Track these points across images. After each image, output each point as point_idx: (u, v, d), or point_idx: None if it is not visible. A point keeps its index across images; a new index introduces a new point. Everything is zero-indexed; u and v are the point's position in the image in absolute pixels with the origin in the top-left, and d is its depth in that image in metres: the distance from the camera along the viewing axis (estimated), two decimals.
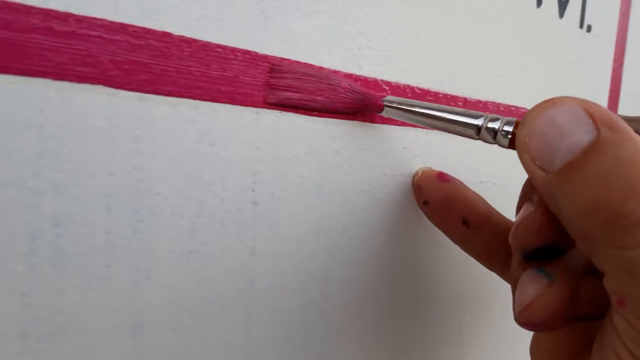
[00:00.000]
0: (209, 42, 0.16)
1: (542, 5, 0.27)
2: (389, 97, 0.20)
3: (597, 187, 0.12)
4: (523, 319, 0.15)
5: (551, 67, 0.29)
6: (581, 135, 0.13)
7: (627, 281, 0.12)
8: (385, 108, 0.20)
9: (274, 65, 0.18)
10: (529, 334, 0.19)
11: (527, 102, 0.27)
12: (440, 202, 0.21)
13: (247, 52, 0.17)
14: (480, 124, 0.17)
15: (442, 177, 0.21)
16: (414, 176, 0.22)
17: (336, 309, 0.21)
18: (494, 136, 0.16)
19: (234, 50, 0.17)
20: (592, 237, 0.13)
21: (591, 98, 0.31)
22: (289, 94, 0.18)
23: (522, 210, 0.16)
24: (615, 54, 0.33)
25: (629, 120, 0.16)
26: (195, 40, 0.16)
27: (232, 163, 0.17)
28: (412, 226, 0.23)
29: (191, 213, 0.17)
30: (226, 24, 0.16)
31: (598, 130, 0.13)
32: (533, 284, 0.15)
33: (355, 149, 0.20)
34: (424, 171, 0.22)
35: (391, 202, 0.22)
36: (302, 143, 0.19)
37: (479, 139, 0.17)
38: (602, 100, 0.33)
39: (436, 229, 0.24)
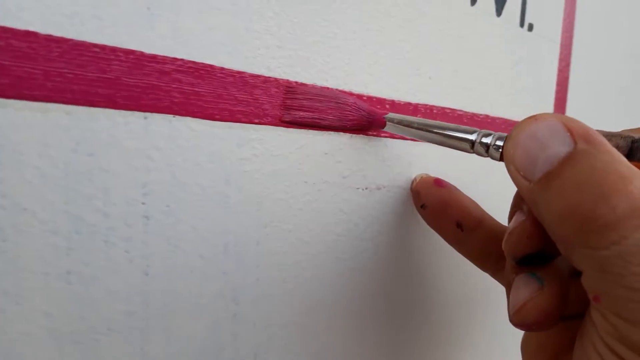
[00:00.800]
0: (83, 42, 0.15)
1: (477, 4, 0.27)
2: (391, 115, 0.21)
3: (572, 193, 0.13)
4: (517, 320, 0.16)
5: (491, 68, 0.28)
6: (559, 147, 0.14)
7: (601, 279, 0.13)
8: (387, 124, 0.21)
9: (289, 87, 0.19)
10: (519, 333, 0.19)
11: (464, 104, 0.27)
12: (437, 206, 0.23)
13: (131, 52, 0.16)
14: (474, 139, 0.18)
15: (438, 182, 0.23)
16: (412, 182, 0.24)
17: (251, 330, 0.19)
18: (486, 150, 0.18)
19: (114, 50, 0.15)
20: (568, 239, 0.14)
21: (535, 99, 0.30)
22: (302, 114, 0.20)
23: (513, 219, 0.17)
24: (561, 53, 0.32)
25: (611, 135, 0.16)
26: (66, 40, 0.15)
27: (116, 174, 0.16)
28: (336, 236, 0.22)
29: (68, 230, 0.15)
30: (105, 22, 0.15)
31: (575, 142, 0.14)
32: (525, 288, 0.16)
33: (268, 155, 0.19)
34: (422, 177, 0.24)
35: (312, 211, 0.21)
36: (203, 150, 0.17)
37: (473, 153, 0.18)
38: (549, 102, 0.32)
39: (366, 239, 0.23)
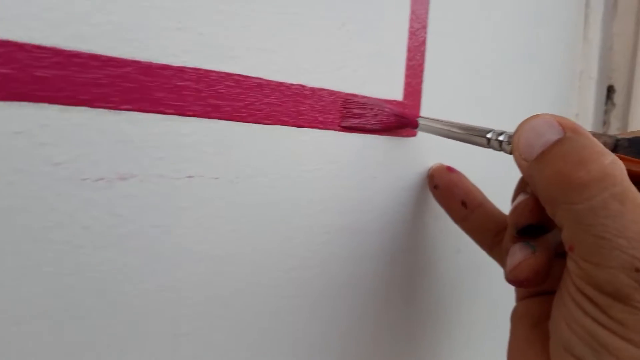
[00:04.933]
0: None
1: None
2: (423, 117, 0.27)
3: (557, 162, 0.18)
4: (512, 276, 0.21)
5: (305, 26, 0.23)
6: (553, 135, 0.19)
7: (576, 229, 0.18)
8: (420, 124, 0.27)
9: (346, 99, 0.25)
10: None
11: (265, 70, 0.22)
12: (446, 187, 0.29)
13: None
14: (490, 136, 0.23)
15: (450, 169, 0.30)
16: (429, 169, 0.30)
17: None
18: (499, 145, 0.23)
19: None
20: (553, 198, 0.18)
21: (377, 67, 0.25)
22: (355, 120, 0.25)
23: (518, 198, 0.22)
24: (413, 12, 0.28)
25: (600, 134, 0.21)
26: None
27: None
28: (45, 245, 0.17)
29: None
30: None
31: (565, 132, 0.19)
32: (521, 252, 0.21)
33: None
34: (437, 165, 0.30)
35: (112, 195, 0.16)
36: None
37: (489, 147, 0.24)
38: (398, 71, 0.28)
39: (103, 246, 0.18)
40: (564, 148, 0.18)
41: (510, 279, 0.22)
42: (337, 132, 0.25)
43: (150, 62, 0.19)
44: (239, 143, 0.21)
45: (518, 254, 0.21)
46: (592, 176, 0.17)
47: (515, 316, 0.24)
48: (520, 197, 0.22)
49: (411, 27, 0.28)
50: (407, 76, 0.28)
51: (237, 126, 0.21)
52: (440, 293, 0.34)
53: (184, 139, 0.20)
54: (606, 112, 0.48)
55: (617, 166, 0.17)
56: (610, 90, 0.48)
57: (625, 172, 0.17)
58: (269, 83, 0.22)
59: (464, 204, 0.28)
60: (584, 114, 0.46)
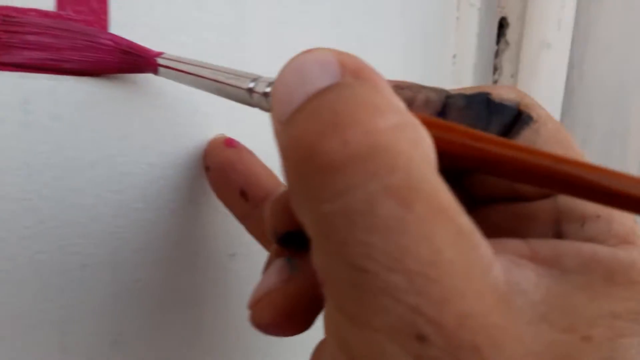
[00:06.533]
0: None
1: None
2: (167, 56, 0.18)
3: (302, 123, 0.11)
4: (251, 318, 0.15)
5: None
6: (322, 82, 0.11)
7: (324, 250, 0.10)
8: (160, 68, 0.18)
9: (6, 15, 0.16)
10: None
11: None
12: (221, 169, 0.21)
13: None
14: (253, 86, 0.15)
15: (229, 142, 0.21)
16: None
17: None
18: (266, 100, 0.15)
19: None
20: (291, 187, 0.11)
21: None
22: (34, 54, 0.17)
23: (282, 189, 0.17)
24: None
25: (421, 87, 0.15)
26: None
27: None
28: None
29: None
30: None
31: (342, 77, 0.11)
32: (277, 275, 0.15)
33: None
34: (215, 137, 0.22)
35: None
36: None
37: (256, 106, 0.15)
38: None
39: None
40: (321, 100, 0.11)
41: (251, 322, 0.15)
42: None
43: None
44: None
45: (272, 277, 0.15)
46: (352, 151, 0.10)
47: (318, 355, 0.17)
48: (283, 188, 0.16)
49: None
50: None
51: None
52: (203, 317, 0.24)
53: None
54: (497, 54, 0.37)
55: (404, 135, 0.10)
56: (502, 24, 0.37)
57: (426, 147, 0.10)
58: None
59: (243, 194, 0.20)
60: (464, 56, 0.35)
